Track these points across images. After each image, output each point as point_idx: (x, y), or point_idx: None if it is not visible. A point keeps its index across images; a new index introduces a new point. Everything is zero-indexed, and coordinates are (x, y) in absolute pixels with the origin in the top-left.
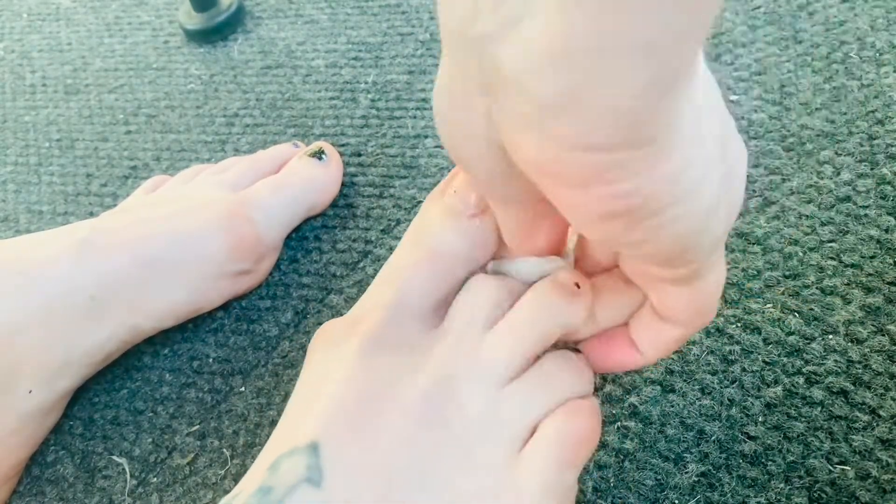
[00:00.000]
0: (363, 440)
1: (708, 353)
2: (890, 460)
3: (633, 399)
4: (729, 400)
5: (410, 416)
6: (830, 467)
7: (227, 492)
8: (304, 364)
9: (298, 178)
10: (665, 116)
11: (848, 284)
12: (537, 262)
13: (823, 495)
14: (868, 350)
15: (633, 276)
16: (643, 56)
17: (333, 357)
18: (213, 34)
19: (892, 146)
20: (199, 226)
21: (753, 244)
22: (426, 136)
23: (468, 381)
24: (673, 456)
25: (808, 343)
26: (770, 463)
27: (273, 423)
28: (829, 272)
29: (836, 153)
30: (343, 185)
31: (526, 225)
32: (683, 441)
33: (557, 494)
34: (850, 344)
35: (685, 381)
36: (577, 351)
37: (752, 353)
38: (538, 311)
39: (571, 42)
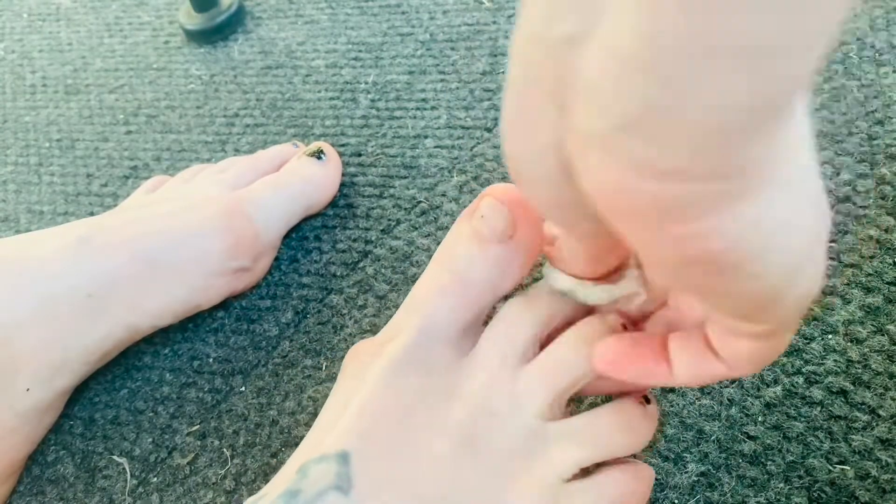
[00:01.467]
0: (394, 455)
1: None
2: (889, 460)
3: None
4: (729, 400)
5: (445, 440)
6: (830, 467)
7: (227, 492)
8: (336, 383)
9: (297, 178)
10: (760, 145)
11: (848, 284)
12: (605, 289)
13: (823, 495)
14: (868, 350)
15: (706, 319)
16: (752, 62)
17: (362, 374)
18: (214, 34)
19: (892, 146)
20: (197, 223)
21: None
22: (426, 136)
23: (507, 415)
24: (672, 456)
25: (808, 343)
26: (770, 463)
27: (273, 423)
28: (828, 272)
29: (836, 153)
30: (343, 185)
31: (592, 255)
32: (683, 441)
33: None
34: (849, 344)
35: None
36: (647, 401)
37: None
38: (576, 352)
39: (663, 42)
